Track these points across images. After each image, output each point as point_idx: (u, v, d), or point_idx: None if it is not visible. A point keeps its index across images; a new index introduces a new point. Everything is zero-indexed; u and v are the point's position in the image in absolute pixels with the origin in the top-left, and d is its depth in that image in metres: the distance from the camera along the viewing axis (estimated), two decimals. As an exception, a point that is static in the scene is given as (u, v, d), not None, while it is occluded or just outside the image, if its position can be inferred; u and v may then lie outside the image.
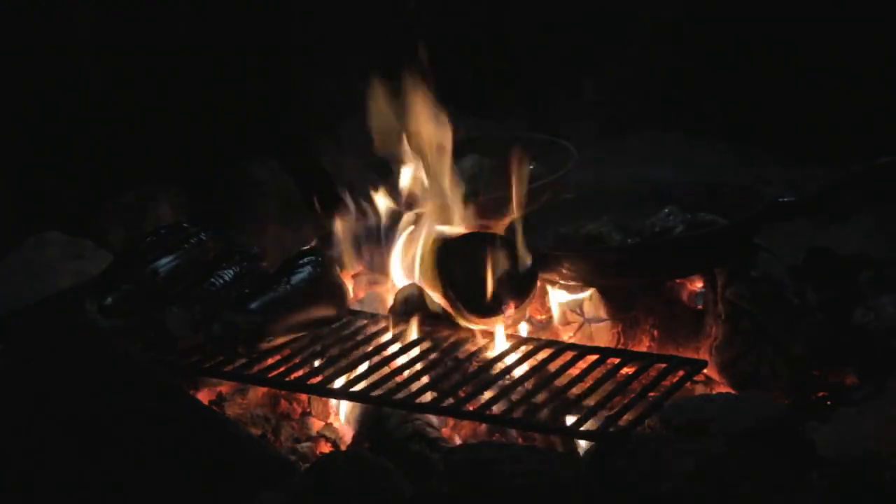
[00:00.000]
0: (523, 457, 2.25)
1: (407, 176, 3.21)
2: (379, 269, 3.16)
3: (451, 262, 2.90)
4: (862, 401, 2.65)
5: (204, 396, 2.82)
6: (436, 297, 2.92)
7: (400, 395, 2.58)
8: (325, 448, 2.73)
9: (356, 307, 3.05)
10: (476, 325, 2.87)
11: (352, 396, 2.64)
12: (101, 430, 2.31)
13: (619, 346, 2.90)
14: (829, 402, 2.71)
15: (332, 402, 2.80)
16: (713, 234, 2.92)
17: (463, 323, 2.88)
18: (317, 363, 2.75)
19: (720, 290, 2.87)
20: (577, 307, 3.00)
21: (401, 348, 2.79)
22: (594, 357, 2.74)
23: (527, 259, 2.86)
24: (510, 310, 2.85)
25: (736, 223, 2.91)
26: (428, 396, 2.58)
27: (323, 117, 3.52)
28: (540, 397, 2.57)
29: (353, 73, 3.23)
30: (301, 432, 2.78)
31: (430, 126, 3.04)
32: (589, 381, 2.63)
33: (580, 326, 2.98)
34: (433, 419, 2.64)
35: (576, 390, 2.60)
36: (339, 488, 2.25)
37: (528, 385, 2.62)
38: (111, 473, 2.25)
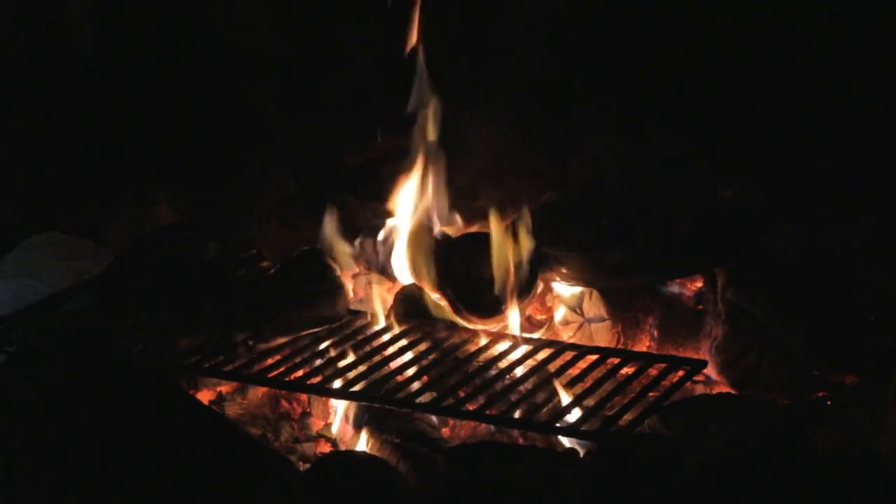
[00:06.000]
0: (523, 457, 2.25)
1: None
2: (379, 269, 3.16)
3: (451, 262, 2.90)
4: (862, 401, 2.65)
5: (204, 396, 2.82)
6: (436, 298, 2.92)
7: (400, 395, 2.59)
8: (325, 448, 2.73)
9: (356, 307, 3.05)
10: (476, 325, 2.87)
11: (352, 396, 2.64)
12: (100, 429, 2.31)
13: (619, 346, 2.90)
14: (829, 402, 2.71)
15: (332, 402, 2.80)
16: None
17: (463, 323, 2.88)
18: (317, 363, 2.75)
19: (720, 290, 2.87)
20: (577, 307, 3.00)
21: (401, 348, 2.79)
22: (594, 357, 2.74)
23: (527, 259, 2.86)
24: (510, 310, 2.85)
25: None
26: (428, 396, 2.58)
27: (322, 117, 3.52)
28: (540, 397, 2.57)
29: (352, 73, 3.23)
30: (301, 432, 2.78)
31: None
32: (589, 381, 2.63)
33: (580, 326, 2.98)
34: (433, 419, 2.64)
35: (576, 390, 2.60)
36: (339, 488, 2.25)
37: (528, 385, 2.62)
38: (111, 473, 2.25)
